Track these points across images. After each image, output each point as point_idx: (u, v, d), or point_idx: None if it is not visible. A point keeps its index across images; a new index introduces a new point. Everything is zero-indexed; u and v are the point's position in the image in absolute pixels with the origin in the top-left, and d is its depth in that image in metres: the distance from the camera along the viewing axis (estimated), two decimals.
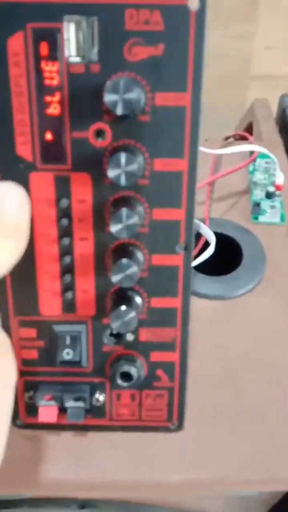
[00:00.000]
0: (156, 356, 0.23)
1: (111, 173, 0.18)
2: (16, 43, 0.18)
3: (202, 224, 0.35)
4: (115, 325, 0.21)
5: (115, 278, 0.20)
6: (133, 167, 0.18)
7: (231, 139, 0.49)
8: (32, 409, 0.24)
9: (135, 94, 0.17)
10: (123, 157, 0.18)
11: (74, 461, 0.25)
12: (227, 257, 0.36)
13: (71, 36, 0.18)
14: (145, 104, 0.19)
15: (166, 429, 0.25)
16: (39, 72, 0.19)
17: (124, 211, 0.19)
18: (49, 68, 0.19)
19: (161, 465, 0.25)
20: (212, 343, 0.31)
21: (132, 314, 0.21)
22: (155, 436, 0.25)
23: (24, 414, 0.24)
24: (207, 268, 0.34)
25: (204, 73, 0.19)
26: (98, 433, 0.25)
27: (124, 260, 0.20)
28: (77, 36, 0.18)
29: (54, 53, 0.18)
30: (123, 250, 0.21)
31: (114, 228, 0.19)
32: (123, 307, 0.20)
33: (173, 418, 0.25)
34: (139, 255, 0.21)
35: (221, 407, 0.28)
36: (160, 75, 0.18)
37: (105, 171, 0.20)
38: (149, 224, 0.21)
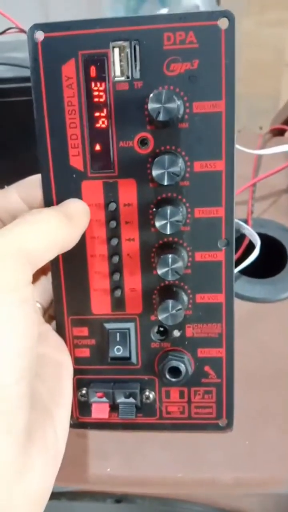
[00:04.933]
0: (203, 352, 0.25)
1: (155, 173, 0.21)
2: (69, 69, 0.22)
3: (245, 225, 0.37)
4: (163, 317, 0.23)
5: (161, 271, 0.22)
6: (175, 168, 0.21)
7: (269, 134, 0.51)
8: (84, 408, 0.27)
9: (175, 104, 0.21)
10: (166, 159, 0.21)
11: (125, 458, 0.27)
12: (270, 257, 0.38)
13: (116, 59, 0.22)
14: (184, 113, 0.22)
15: (216, 427, 0.26)
16: (89, 91, 0.22)
17: (168, 208, 0.22)
18: (98, 88, 0.22)
19: (211, 464, 0.27)
20: (258, 345, 0.32)
21: (179, 306, 0.23)
22: (205, 436, 0.26)
23: (76, 413, 0.27)
24: (249, 270, 0.36)
25: (236, 80, 0.22)
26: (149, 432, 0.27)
27: (170, 255, 0.22)
28: (121, 59, 0.22)
29: (102, 75, 0.22)
30: (168, 247, 0.24)
31: (158, 223, 0.22)
32: (170, 300, 0.23)
33: (222, 416, 0.26)
34: (183, 252, 0.24)
35: (270, 407, 0.29)
36: (197, 86, 0.22)
37: (149, 175, 0.23)
38: (191, 222, 0.24)
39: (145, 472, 0.27)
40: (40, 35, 0.22)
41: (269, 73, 0.69)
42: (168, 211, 0.22)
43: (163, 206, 0.22)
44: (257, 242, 0.35)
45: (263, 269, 0.36)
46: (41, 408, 0.21)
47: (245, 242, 0.37)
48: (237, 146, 0.44)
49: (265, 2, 0.65)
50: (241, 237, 0.38)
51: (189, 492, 0.27)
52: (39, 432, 0.20)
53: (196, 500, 0.27)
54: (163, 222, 0.22)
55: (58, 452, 0.21)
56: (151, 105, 0.20)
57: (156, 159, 0.21)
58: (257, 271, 0.36)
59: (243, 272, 0.36)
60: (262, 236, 0.37)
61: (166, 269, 0.22)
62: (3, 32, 0.43)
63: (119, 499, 0.29)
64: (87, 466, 0.28)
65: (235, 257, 0.38)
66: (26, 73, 0.39)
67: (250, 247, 0.36)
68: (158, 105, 0.20)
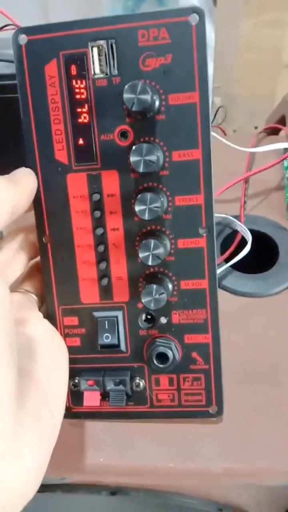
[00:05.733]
0: (190, 338, 0.26)
1: (132, 159, 0.22)
2: (52, 68, 0.24)
3: (237, 222, 0.38)
4: (146, 301, 0.24)
5: (142, 255, 0.23)
6: (151, 156, 0.22)
7: (263, 133, 0.51)
8: (77, 397, 0.27)
9: (148, 96, 0.22)
10: (144, 147, 0.22)
11: (117, 449, 0.28)
12: (263, 254, 0.38)
13: (95, 57, 0.23)
14: (160, 105, 0.23)
15: (207, 414, 0.27)
16: (70, 89, 0.24)
17: (148, 195, 0.23)
18: (78, 85, 0.24)
19: (202, 455, 0.27)
20: (250, 339, 0.33)
21: (162, 291, 0.24)
22: (197, 426, 0.27)
23: (69, 402, 0.28)
24: (242, 265, 0.36)
25: (209, 72, 0.23)
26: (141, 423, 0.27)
27: (151, 240, 0.23)
28: (99, 57, 0.23)
29: (82, 73, 0.24)
30: (151, 235, 0.24)
31: (138, 208, 0.23)
32: (154, 285, 0.24)
33: (212, 403, 0.27)
34: (166, 239, 0.25)
35: (261, 400, 0.29)
36: (171, 79, 0.23)
37: (130, 166, 0.24)
38: (172, 210, 0.25)
39: (137, 462, 0.27)
40: (23, 38, 0.24)
41: (267, 74, 0.70)
42: (148, 197, 0.23)
43: (144, 193, 0.23)
44: (249, 238, 0.36)
45: (255, 264, 0.37)
46: (34, 382, 0.21)
47: (237, 238, 0.38)
48: (230, 144, 0.45)
49: (263, 2, 0.66)
50: (233, 233, 0.39)
51: (181, 482, 0.27)
52: (32, 403, 0.20)
53: (189, 491, 0.27)
54: (143, 207, 0.23)
55: (54, 427, 0.22)
56: (126, 95, 0.22)
57: (134, 147, 0.22)
58: (249, 266, 0.36)
59: (235, 267, 0.37)
60: (254, 232, 0.38)
61: (147, 253, 0.23)
62: (0, 29, 0.45)
63: (113, 491, 0.29)
64: (80, 456, 0.28)
65: (227, 253, 0.38)
66: None
67: (243, 243, 0.37)
68: (132, 96, 0.22)
